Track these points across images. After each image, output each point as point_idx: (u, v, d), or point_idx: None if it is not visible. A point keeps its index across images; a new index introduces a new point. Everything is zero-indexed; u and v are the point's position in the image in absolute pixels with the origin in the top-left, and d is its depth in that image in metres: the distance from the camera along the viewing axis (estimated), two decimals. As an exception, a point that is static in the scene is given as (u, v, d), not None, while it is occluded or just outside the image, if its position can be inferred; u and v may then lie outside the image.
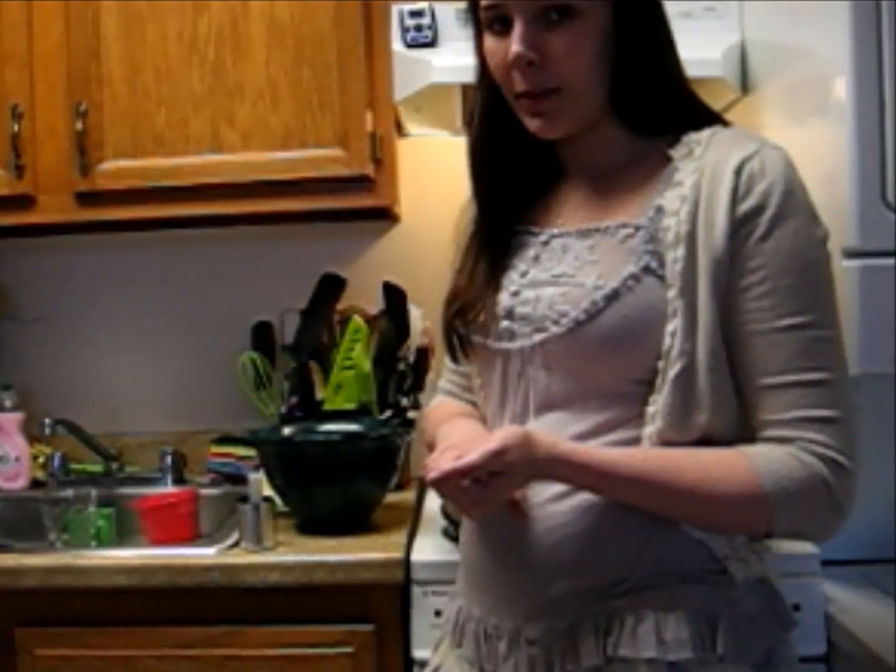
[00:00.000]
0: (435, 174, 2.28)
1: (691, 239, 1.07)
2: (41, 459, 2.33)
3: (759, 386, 1.06)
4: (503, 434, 1.08)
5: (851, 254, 1.44)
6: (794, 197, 1.07)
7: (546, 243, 1.21)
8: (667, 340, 1.07)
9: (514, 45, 1.11)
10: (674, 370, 1.06)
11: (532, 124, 1.17)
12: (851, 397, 1.08)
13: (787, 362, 1.05)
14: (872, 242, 1.44)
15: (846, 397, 1.07)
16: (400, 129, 2.22)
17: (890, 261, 1.43)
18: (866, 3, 1.41)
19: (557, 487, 1.12)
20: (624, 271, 1.10)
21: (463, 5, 1.22)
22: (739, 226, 1.06)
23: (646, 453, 1.09)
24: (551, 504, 1.12)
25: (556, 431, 1.13)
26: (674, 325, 1.07)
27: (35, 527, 2.12)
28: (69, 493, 2.14)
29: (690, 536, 1.09)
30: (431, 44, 1.88)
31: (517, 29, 1.11)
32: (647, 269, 1.10)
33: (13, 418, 2.30)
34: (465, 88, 2.00)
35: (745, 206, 1.06)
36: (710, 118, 1.18)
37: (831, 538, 1.12)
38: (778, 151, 1.09)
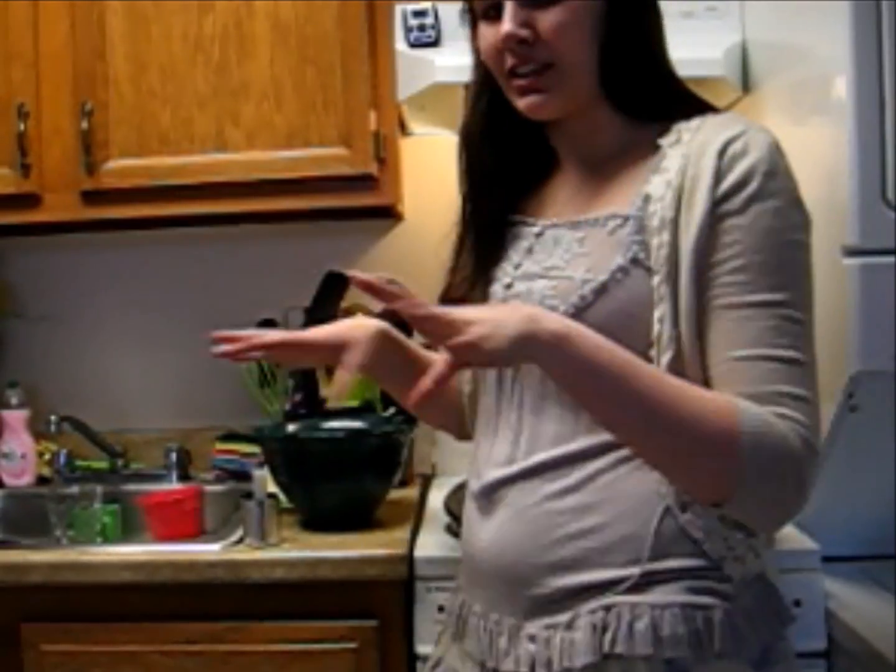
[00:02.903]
0: (438, 173, 2.27)
1: (675, 224, 1.07)
2: (47, 456, 2.35)
3: (730, 358, 1.04)
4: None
5: (851, 252, 1.44)
6: (776, 178, 1.05)
7: (539, 235, 1.22)
8: (656, 326, 1.07)
9: (506, 24, 1.12)
10: (666, 357, 1.06)
11: (523, 103, 1.16)
12: (817, 383, 1.05)
13: (759, 336, 1.03)
14: (872, 241, 1.44)
15: (816, 384, 1.05)
16: (403, 129, 2.23)
17: (890, 259, 1.43)
18: (866, 3, 1.41)
19: (557, 485, 1.12)
20: (612, 264, 1.10)
21: (466, 5, 1.23)
22: (719, 203, 1.05)
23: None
24: (550, 502, 1.12)
25: (556, 427, 1.13)
26: (661, 310, 1.07)
27: (41, 523, 2.12)
28: (75, 489, 2.15)
29: (688, 537, 1.08)
30: (434, 43, 1.89)
31: (508, 9, 1.12)
32: (634, 261, 1.10)
33: (19, 415, 2.31)
34: (468, 87, 2.01)
35: (725, 183, 1.05)
36: (702, 106, 1.17)
37: (778, 529, 1.12)
38: (764, 134, 1.08)
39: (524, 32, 1.12)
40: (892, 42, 1.41)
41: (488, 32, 1.16)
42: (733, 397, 1.02)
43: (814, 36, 1.59)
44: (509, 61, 1.15)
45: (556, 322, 1.02)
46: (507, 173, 1.27)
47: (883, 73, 1.42)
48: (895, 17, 1.41)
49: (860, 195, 1.44)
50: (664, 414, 1.01)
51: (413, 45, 1.90)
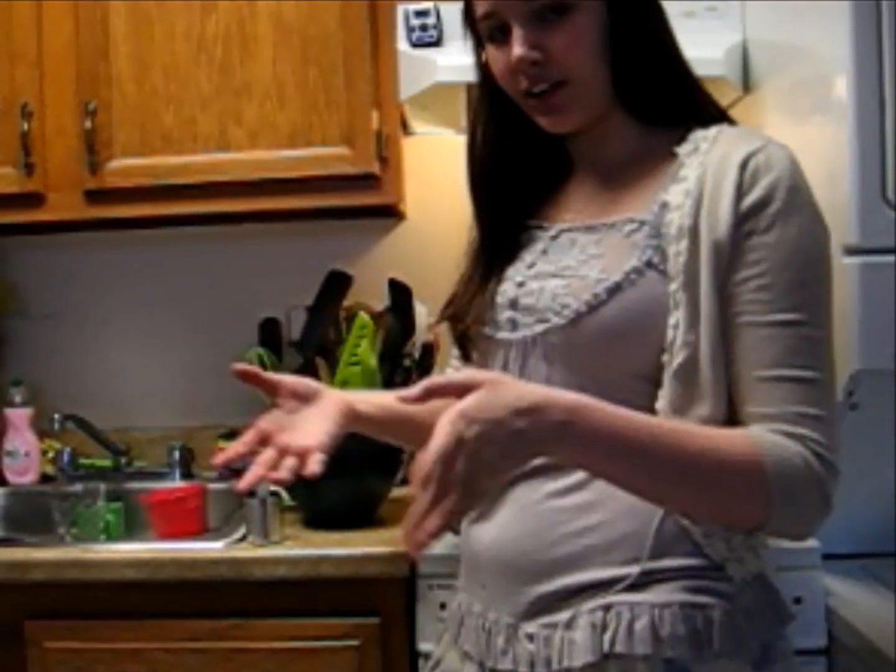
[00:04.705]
0: (440, 172, 2.30)
1: (694, 232, 1.07)
2: (50, 454, 2.36)
3: (751, 378, 1.06)
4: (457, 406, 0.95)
5: (851, 251, 1.45)
6: (799, 193, 1.07)
7: (555, 237, 1.22)
8: (669, 332, 1.08)
9: (516, 48, 1.12)
10: (678, 360, 1.07)
11: (543, 121, 1.18)
12: (835, 398, 1.08)
13: (780, 356, 1.05)
14: (872, 240, 1.45)
15: (833, 398, 1.07)
16: (405, 128, 2.24)
17: (890, 258, 1.44)
18: (866, 3, 1.42)
19: (560, 483, 1.12)
20: (626, 265, 1.11)
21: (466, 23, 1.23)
22: (744, 219, 1.06)
23: (655, 418, 1.06)
24: (551, 500, 1.12)
25: None
26: (676, 317, 1.07)
27: (44, 521, 2.13)
28: (78, 487, 2.16)
29: (689, 538, 1.08)
30: (436, 43, 1.90)
31: (516, 32, 1.12)
32: (649, 264, 1.10)
33: (23, 414, 2.32)
34: (470, 87, 2.01)
35: (750, 199, 1.06)
36: (717, 113, 1.19)
37: (805, 539, 1.13)
38: (783, 149, 1.10)
39: (535, 55, 1.12)
40: (892, 42, 1.42)
41: (499, 55, 1.17)
42: (748, 431, 1.04)
43: (814, 36, 1.60)
44: (523, 83, 1.15)
45: (560, 409, 0.98)
46: (523, 178, 1.27)
47: (883, 73, 1.42)
48: (895, 17, 1.42)
49: (860, 195, 1.45)
50: (691, 470, 1.01)
51: (415, 45, 1.91)
